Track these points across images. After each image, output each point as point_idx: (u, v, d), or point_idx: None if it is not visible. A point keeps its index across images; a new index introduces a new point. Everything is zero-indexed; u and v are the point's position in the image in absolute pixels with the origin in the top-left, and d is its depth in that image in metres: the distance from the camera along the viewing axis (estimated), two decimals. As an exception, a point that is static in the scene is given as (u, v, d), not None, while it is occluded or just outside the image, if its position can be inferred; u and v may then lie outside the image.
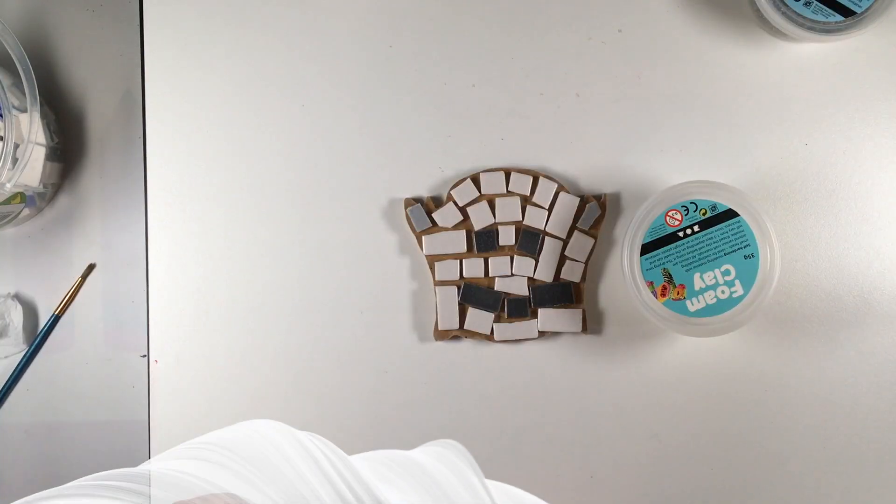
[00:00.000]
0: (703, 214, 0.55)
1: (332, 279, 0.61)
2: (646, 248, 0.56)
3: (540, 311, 0.60)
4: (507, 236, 0.60)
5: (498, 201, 0.60)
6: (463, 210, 0.60)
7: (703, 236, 0.56)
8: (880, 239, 0.60)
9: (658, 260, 0.56)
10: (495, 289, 0.60)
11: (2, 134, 0.55)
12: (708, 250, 0.56)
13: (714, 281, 0.56)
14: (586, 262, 0.60)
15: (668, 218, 0.56)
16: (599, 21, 0.61)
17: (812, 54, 0.61)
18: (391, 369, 0.61)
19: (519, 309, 0.60)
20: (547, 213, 0.60)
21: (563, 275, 0.60)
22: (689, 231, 0.56)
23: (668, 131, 0.61)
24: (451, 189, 0.60)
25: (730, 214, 0.56)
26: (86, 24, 0.63)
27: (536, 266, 0.60)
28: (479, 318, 0.60)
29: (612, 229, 0.61)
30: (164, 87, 0.61)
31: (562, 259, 0.60)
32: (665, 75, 0.61)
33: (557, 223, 0.60)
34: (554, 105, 0.61)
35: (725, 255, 0.56)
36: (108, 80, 0.63)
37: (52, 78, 0.62)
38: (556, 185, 0.60)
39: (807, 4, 0.56)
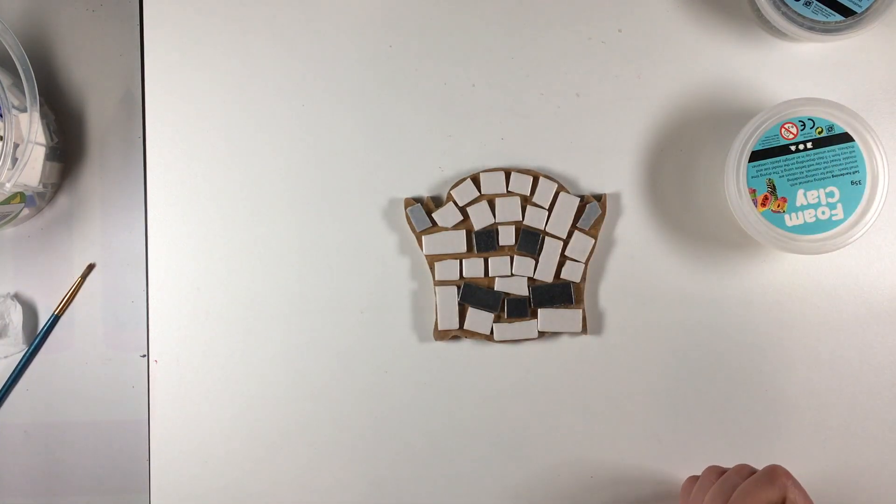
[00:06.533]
0: (819, 133, 0.55)
1: (332, 279, 0.61)
2: (754, 157, 0.56)
3: (540, 311, 0.60)
4: (507, 236, 0.60)
5: (498, 201, 0.60)
6: (463, 210, 0.60)
7: (814, 154, 0.55)
8: (880, 239, 0.60)
9: (765, 169, 0.55)
10: (495, 289, 0.60)
11: (2, 134, 0.55)
12: (817, 169, 0.55)
13: (817, 200, 0.56)
14: (586, 262, 0.60)
15: (783, 130, 0.55)
16: (599, 21, 0.61)
17: (812, 54, 0.61)
18: (391, 369, 0.61)
19: (519, 309, 0.60)
20: (547, 213, 0.60)
21: (563, 275, 0.60)
22: (801, 146, 0.56)
23: (667, 131, 0.61)
24: (451, 189, 0.60)
25: (845, 138, 0.56)
26: (86, 24, 0.63)
27: (536, 266, 0.60)
28: (478, 318, 0.60)
29: (612, 229, 0.61)
30: (164, 87, 0.61)
31: (562, 259, 0.60)
32: (665, 75, 0.61)
33: (557, 223, 0.60)
34: (554, 105, 0.61)
35: (833, 176, 0.55)
36: (108, 80, 0.63)
37: (52, 78, 0.62)
38: (556, 185, 0.60)
39: (807, 4, 0.56)
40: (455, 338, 0.61)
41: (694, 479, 0.56)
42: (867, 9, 0.56)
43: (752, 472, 0.51)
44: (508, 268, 0.60)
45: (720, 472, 0.53)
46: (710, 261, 0.60)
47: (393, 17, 0.61)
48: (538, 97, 0.61)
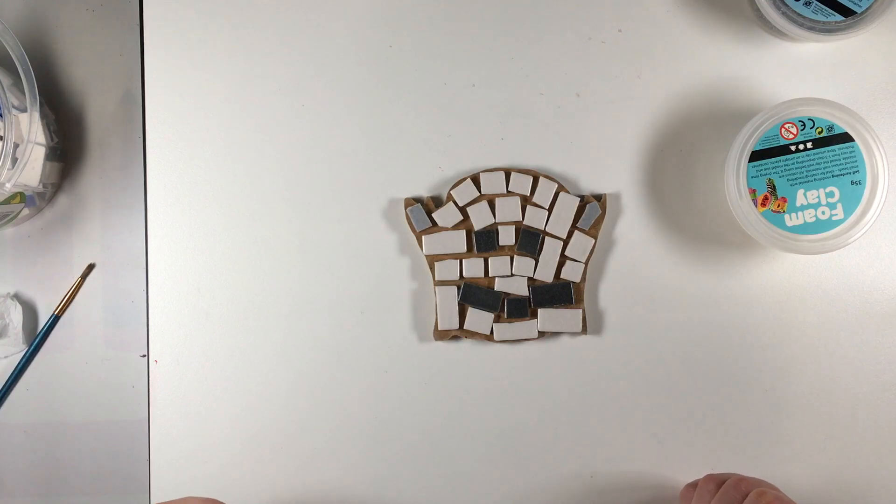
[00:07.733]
0: (819, 133, 0.55)
1: (331, 279, 0.61)
2: (754, 157, 0.56)
3: (540, 311, 0.60)
4: (507, 236, 0.60)
5: (498, 201, 0.60)
6: (463, 210, 0.60)
7: (814, 154, 0.55)
8: (880, 239, 0.60)
9: (765, 169, 0.56)
10: (495, 289, 0.60)
11: (2, 134, 0.55)
12: (817, 169, 0.56)
13: (817, 200, 0.56)
14: (586, 263, 0.60)
15: (783, 130, 0.55)
16: (599, 21, 0.61)
17: (812, 54, 0.61)
18: (391, 369, 0.61)
19: (519, 309, 0.60)
20: (547, 213, 0.60)
21: (563, 275, 0.60)
22: (801, 146, 0.56)
23: (668, 131, 0.61)
24: (451, 189, 0.60)
25: (845, 138, 0.56)
26: (86, 24, 0.63)
27: (536, 266, 0.60)
28: (478, 318, 0.60)
29: (612, 229, 0.61)
30: (164, 87, 0.61)
31: (562, 259, 0.60)
32: (665, 75, 0.61)
33: (557, 223, 0.60)
34: (554, 105, 0.61)
35: (833, 176, 0.56)
36: (108, 80, 0.63)
37: (52, 78, 0.62)
38: (556, 185, 0.60)
39: (807, 4, 0.56)
40: (455, 338, 0.61)
41: (692, 487, 0.56)
42: (867, 9, 0.56)
43: (749, 487, 0.51)
44: (508, 268, 0.60)
45: (718, 481, 0.53)
46: (710, 261, 0.61)
47: (393, 17, 0.61)
48: (538, 97, 0.61)
